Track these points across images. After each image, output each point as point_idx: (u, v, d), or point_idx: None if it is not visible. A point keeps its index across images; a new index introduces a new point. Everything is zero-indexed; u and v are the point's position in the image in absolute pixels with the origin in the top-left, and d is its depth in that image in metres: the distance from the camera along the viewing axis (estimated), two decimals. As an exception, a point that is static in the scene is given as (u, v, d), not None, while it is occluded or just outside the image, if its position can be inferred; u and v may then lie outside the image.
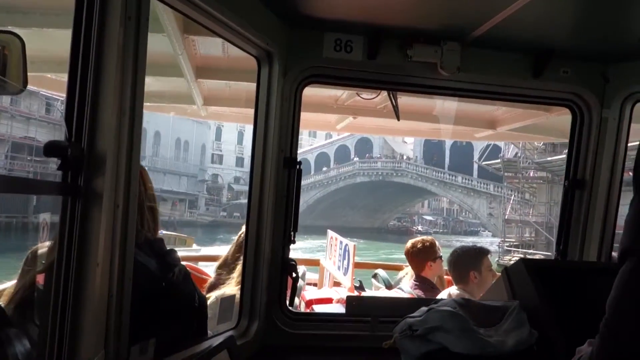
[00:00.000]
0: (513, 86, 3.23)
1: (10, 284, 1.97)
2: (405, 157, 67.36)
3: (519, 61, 3.09)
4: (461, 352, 2.29)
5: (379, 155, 69.85)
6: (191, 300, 2.39)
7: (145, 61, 1.77)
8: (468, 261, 4.08)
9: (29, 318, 1.78)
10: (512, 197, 41.62)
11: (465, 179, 56.92)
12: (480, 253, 4.15)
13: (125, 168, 1.73)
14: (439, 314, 2.44)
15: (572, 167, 3.30)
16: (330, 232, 6.74)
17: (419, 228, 76.77)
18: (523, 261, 2.64)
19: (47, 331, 1.56)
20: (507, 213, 39.34)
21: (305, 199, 57.29)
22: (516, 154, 37.96)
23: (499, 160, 39.68)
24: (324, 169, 65.42)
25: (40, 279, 1.79)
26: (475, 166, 64.36)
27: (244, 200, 67.04)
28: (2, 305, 1.86)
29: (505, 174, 39.30)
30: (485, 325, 2.46)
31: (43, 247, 1.82)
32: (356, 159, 66.51)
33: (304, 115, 3.11)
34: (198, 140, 69.79)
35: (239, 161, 76.48)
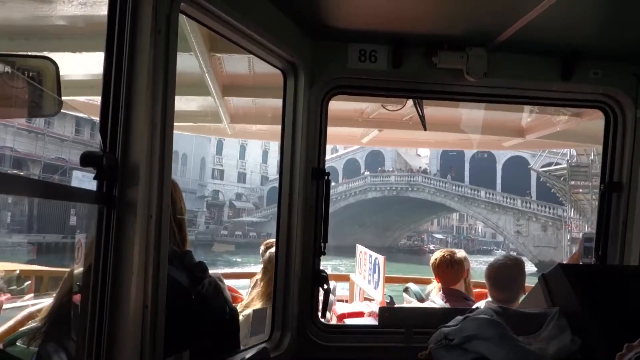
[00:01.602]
0: (542, 90, 3.18)
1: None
2: (421, 170, 62.08)
3: (547, 64, 3.04)
4: (500, 361, 2.22)
5: (391, 169, 64.45)
6: (222, 312, 2.39)
7: (175, 73, 1.81)
8: (520, 278, 3.51)
9: (67, 328, 1.81)
10: (572, 212, 37.52)
11: (489, 193, 52.74)
12: (523, 264, 3.69)
13: (157, 179, 1.75)
14: (476, 322, 2.37)
15: (608, 170, 3.21)
16: (359, 247, 6.71)
17: (431, 247, 69.93)
18: (561, 267, 2.56)
19: (85, 341, 1.58)
20: (570, 229, 36.38)
21: (312, 219, 54.00)
22: (567, 160, 34.22)
23: (562, 166, 35.34)
24: (332, 184, 60.82)
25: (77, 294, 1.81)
26: (499, 180, 60.74)
27: (247, 218, 64.92)
28: (42, 319, 1.89)
29: (572, 182, 34.40)
30: (524, 334, 2.39)
31: (79, 266, 1.85)
32: (367, 173, 61.55)
33: (329, 130, 3.12)
34: (197, 154, 65.84)
35: (241, 177, 73.14)
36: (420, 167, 64.84)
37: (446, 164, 64.52)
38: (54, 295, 2.03)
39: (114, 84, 1.60)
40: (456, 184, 55.10)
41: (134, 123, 1.63)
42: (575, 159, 34.48)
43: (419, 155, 70.86)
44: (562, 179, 35.74)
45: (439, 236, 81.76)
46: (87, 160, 1.45)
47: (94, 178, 1.48)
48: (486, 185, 54.63)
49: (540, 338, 2.36)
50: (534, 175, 58.25)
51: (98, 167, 1.47)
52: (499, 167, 63.22)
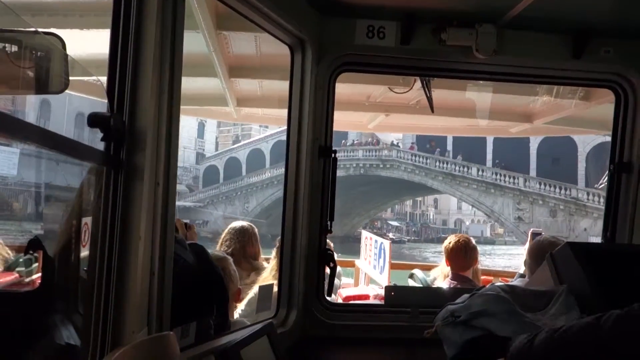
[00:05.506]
0: (552, 68, 3.14)
1: None
2: (396, 144, 49.91)
3: (558, 42, 3.00)
4: (508, 336, 2.21)
5: (356, 141, 52.95)
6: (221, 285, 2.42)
7: (182, 40, 1.79)
8: None
9: (75, 292, 1.81)
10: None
11: (482, 170, 42.64)
12: None
13: (165, 147, 1.74)
14: (483, 298, 2.36)
15: (618, 150, 3.18)
16: (364, 232, 6.71)
17: (391, 236, 61.83)
18: (570, 245, 2.54)
19: (92, 309, 1.57)
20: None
21: (259, 200, 45.66)
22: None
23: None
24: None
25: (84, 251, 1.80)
26: (490, 155, 51.01)
27: (178, 203, 60.89)
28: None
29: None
30: (532, 310, 2.37)
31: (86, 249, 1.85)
32: (328, 146, 51.50)
33: (336, 115, 3.08)
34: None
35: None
36: (398, 142, 52.00)
37: (424, 136, 49.86)
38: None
39: (121, 48, 1.58)
40: (440, 159, 45.16)
41: (141, 88, 1.62)
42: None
43: (387, 129, 61.18)
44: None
45: (395, 223, 75.97)
46: (94, 120, 1.44)
47: (102, 139, 1.47)
48: (474, 160, 45.06)
49: (548, 315, 2.35)
50: (533, 150, 50.99)
51: (105, 128, 1.46)
52: (489, 139, 51.03)
